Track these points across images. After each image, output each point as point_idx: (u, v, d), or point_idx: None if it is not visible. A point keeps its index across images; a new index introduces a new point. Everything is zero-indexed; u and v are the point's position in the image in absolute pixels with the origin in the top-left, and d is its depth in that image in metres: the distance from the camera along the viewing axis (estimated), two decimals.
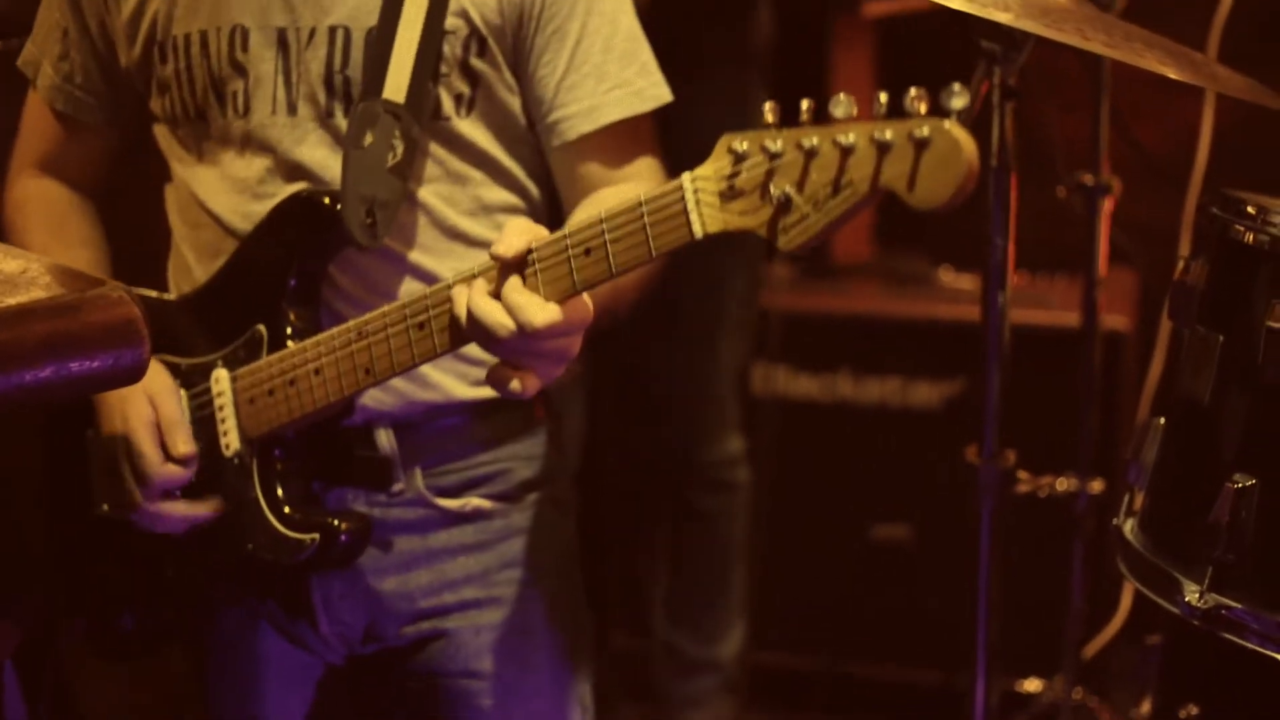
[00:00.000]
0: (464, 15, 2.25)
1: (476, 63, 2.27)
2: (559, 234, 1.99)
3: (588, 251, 1.97)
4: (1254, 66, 2.35)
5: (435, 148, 2.28)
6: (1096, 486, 3.23)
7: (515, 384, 2.03)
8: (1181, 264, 2.15)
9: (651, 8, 2.90)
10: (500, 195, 2.34)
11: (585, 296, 2.03)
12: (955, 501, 2.75)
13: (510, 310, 1.99)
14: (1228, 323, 2.03)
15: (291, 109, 2.28)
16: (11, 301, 1.55)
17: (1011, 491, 2.55)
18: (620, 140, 2.31)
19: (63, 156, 2.51)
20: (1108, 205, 3.13)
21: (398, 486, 2.34)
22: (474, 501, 2.38)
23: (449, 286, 2.07)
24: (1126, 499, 2.19)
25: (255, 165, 2.31)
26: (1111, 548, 2.22)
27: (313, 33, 2.26)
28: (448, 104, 2.27)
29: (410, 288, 2.27)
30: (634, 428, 3.74)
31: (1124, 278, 3.95)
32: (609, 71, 2.29)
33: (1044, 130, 3.33)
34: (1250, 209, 2.03)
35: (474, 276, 2.04)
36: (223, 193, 2.33)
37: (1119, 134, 3.29)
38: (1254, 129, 3.17)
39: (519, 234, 2.01)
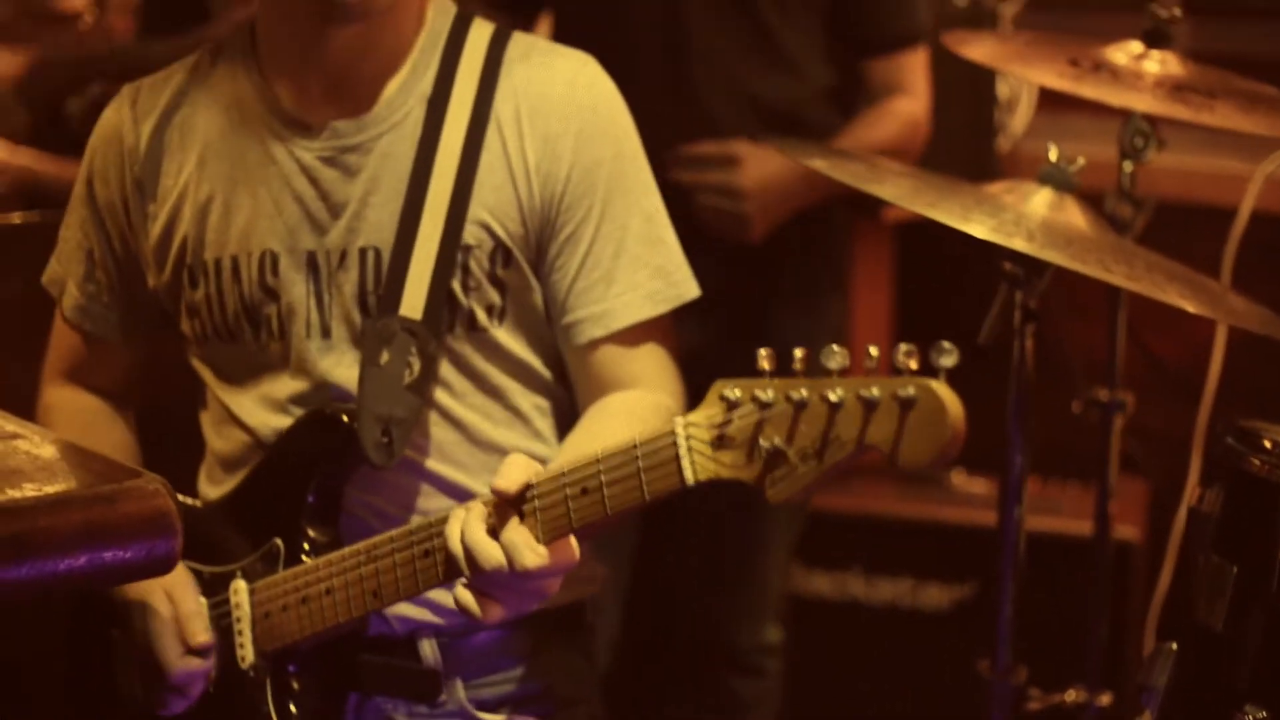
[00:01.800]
0: (486, 228, 2.27)
1: (503, 273, 2.29)
2: (557, 471, 2.01)
3: (584, 491, 1.99)
4: (1268, 282, 2.39)
5: (472, 360, 2.31)
6: (1105, 700, 3.24)
7: (478, 611, 2.04)
8: (1196, 491, 2.18)
9: None
10: (531, 400, 2.36)
11: (573, 539, 2.05)
12: (964, 708, 2.77)
13: (506, 548, 2.00)
14: (1242, 554, 2.06)
15: (325, 331, 2.30)
16: (49, 489, 1.57)
17: (1023, 708, 2.57)
18: (633, 345, 2.33)
19: (91, 369, 2.52)
20: (1120, 421, 3.16)
21: (441, 698, 2.33)
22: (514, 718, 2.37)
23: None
24: None
25: (290, 385, 2.33)
26: None
27: (343, 255, 2.28)
28: (481, 315, 2.29)
29: (438, 502, 2.29)
30: (671, 613, 3.73)
31: (1135, 486, 3.98)
32: (618, 276, 2.31)
33: (1058, 339, 3.37)
34: (1266, 443, 2.07)
35: (470, 508, 2.06)
36: (257, 409, 2.35)
37: (1133, 344, 3.33)
38: (1268, 341, 3.22)
39: (520, 469, 2.03)
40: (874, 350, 1.81)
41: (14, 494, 1.54)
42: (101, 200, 2.41)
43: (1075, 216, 2.37)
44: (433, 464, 2.31)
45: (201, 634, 2.28)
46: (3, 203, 4.78)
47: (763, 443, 1.87)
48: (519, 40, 2.36)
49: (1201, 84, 2.68)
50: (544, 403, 2.38)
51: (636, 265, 2.32)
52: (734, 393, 1.89)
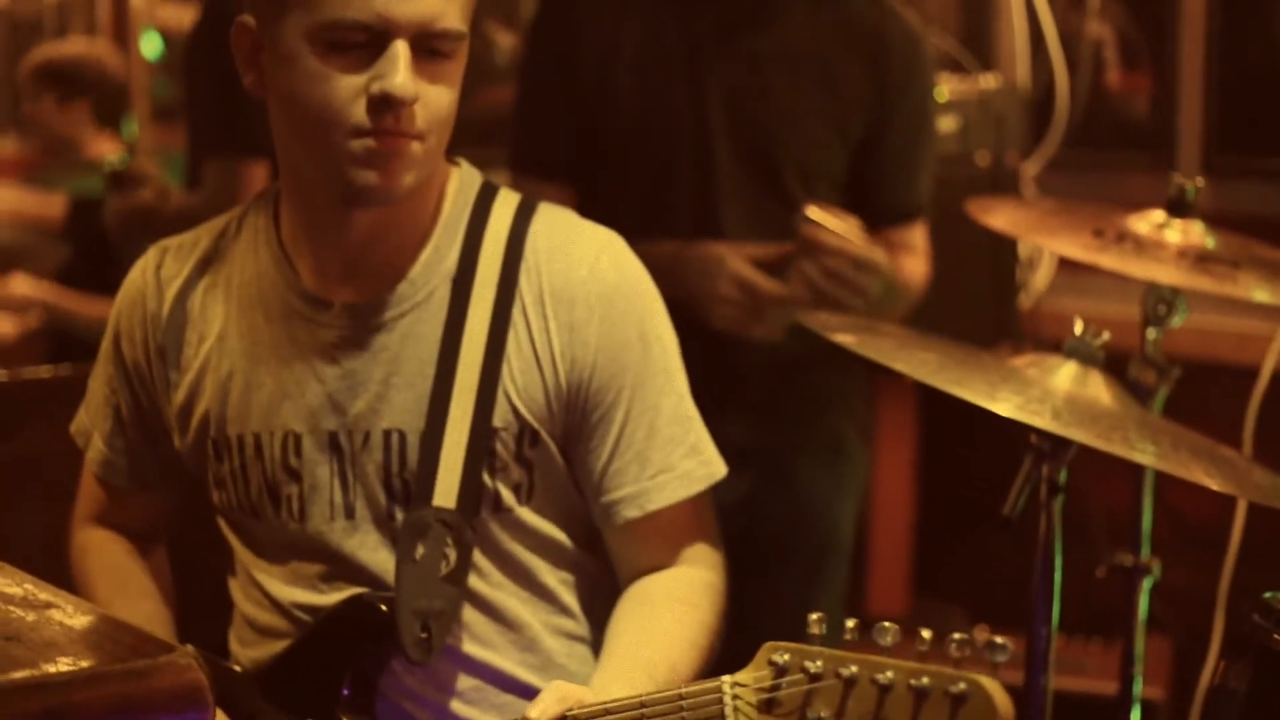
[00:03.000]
0: (514, 410, 2.27)
1: (530, 453, 2.29)
2: (601, 708, 2.02)
3: None
4: None
5: (498, 540, 2.30)
6: None
7: None
8: (1221, 666, 2.18)
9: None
10: (557, 576, 2.36)
11: None
12: None
13: None
14: None
15: (349, 512, 2.29)
16: (84, 663, 1.58)
17: None
18: (671, 524, 2.33)
19: (119, 516, 2.53)
20: (1146, 585, 3.16)
21: None
22: None
23: None
24: None
25: (313, 564, 2.32)
26: None
27: (367, 436, 2.28)
28: (508, 496, 2.29)
29: (468, 683, 2.28)
30: None
31: (1159, 645, 3.97)
32: (652, 458, 2.31)
33: (1084, 501, 3.37)
34: None
35: None
36: (284, 584, 2.35)
37: (1158, 503, 3.33)
38: None
39: (557, 701, 2.04)
40: (926, 633, 1.82)
41: (49, 668, 1.54)
42: (128, 359, 2.43)
43: (1100, 391, 2.39)
44: (463, 646, 2.30)
45: None
46: (31, 347, 4.83)
47: (810, 715, 1.86)
48: (544, 215, 2.36)
49: (1225, 253, 2.71)
50: (570, 577, 2.38)
51: (670, 445, 2.32)
52: (783, 658, 1.89)
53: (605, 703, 2.03)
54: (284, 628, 2.35)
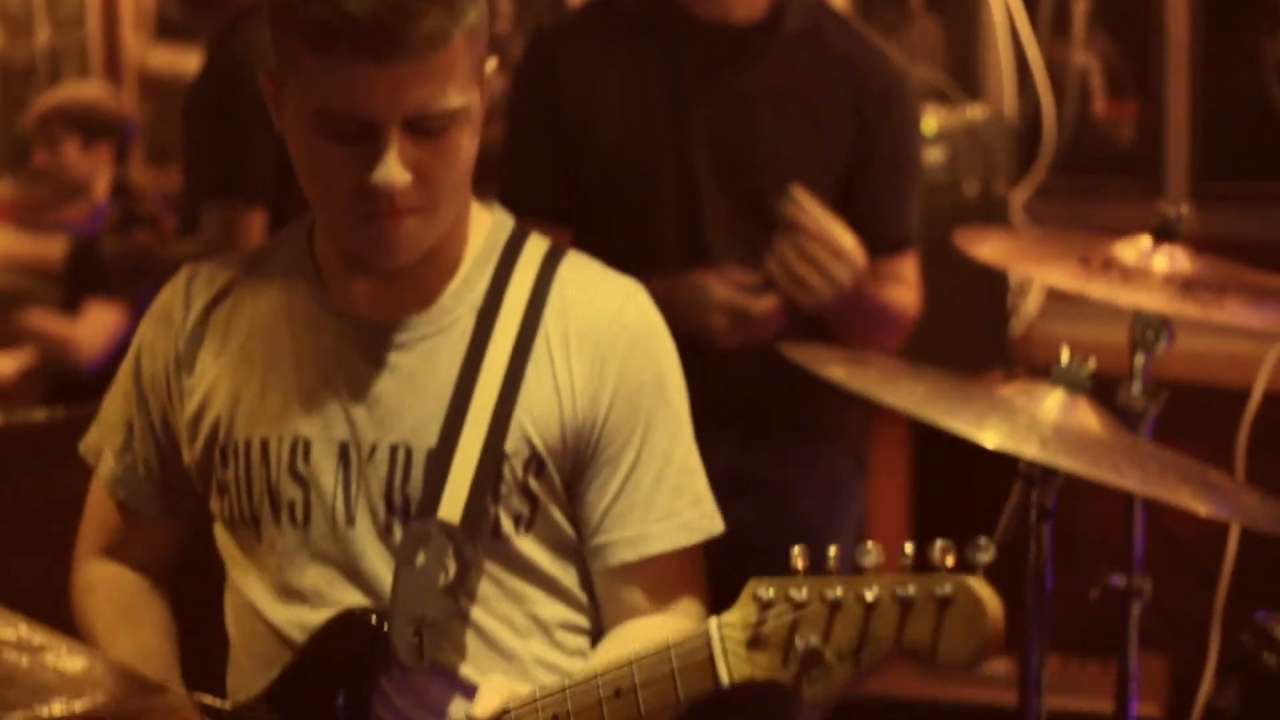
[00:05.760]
0: (526, 438, 2.29)
1: (534, 484, 2.30)
2: (590, 672, 2.03)
3: (618, 694, 2.00)
4: None
5: (493, 566, 2.31)
6: None
7: None
8: (1213, 683, 2.20)
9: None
10: (556, 611, 2.37)
11: None
12: None
13: None
14: None
15: (350, 521, 2.31)
16: (77, 707, 1.59)
17: None
18: (664, 571, 2.35)
19: (125, 544, 2.53)
20: (1139, 607, 3.17)
21: None
22: None
23: None
24: None
25: (310, 576, 2.33)
26: None
27: (374, 449, 2.30)
28: (507, 524, 2.30)
29: (462, 708, 2.27)
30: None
31: (1155, 664, 3.98)
32: (657, 503, 2.33)
33: (1075, 525, 3.38)
34: None
35: None
36: (279, 603, 2.36)
37: (1151, 525, 3.34)
38: None
39: (494, 694, 2.08)
40: (909, 547, 1.83)
41: (41, 711, 1.56)
42: (146, 374, 2.45)
43: (1088, 418, 2.39)
44: (458, 668, 2.31)
45: None
46: (29, 386, 4.85)
47: (798, 643, 1.87)
48: (572, 260, 2.40)
49: (1212, 279, 2.72)
50: (570, 616, 2.39)
51: (676, 494, 2.35)
52: (768, 592, 1.90)
53: (594, 668, 2.04)
54: (277, 652, 2.36)
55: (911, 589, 1.80)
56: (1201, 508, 2.22)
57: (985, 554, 1.80)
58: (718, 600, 2.38)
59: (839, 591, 1.84)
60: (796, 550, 1.90)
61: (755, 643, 1.91)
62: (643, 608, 2.35)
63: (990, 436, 2.23)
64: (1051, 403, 2.42)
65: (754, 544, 2.44)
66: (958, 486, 4.33)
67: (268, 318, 2.39)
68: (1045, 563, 2.47)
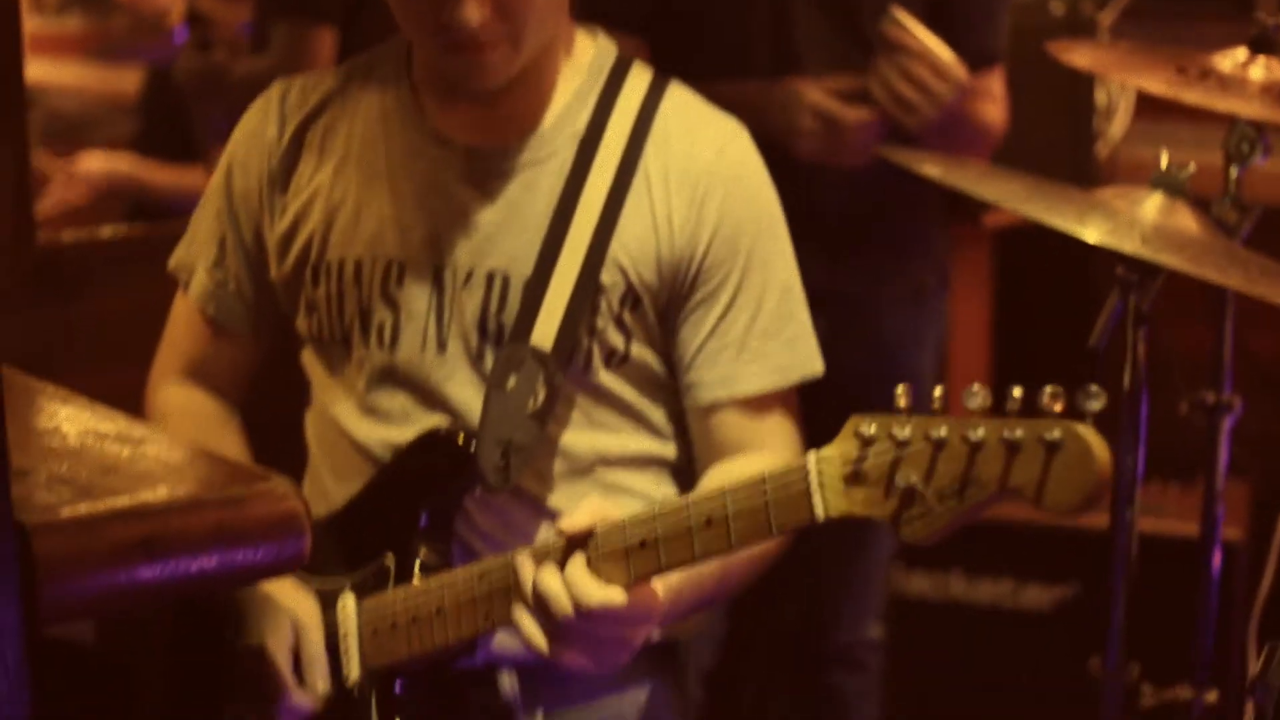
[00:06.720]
0: (622, 271, 2.29)
1: (628, 318, 2.31)
2: (682, 502, 2.01)
3: (709, 523, 1.98)
4: None
5: (581, 397, 2.32)
6: (1212, 697, 3.23)
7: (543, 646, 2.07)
8: None
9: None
10: (644, 444, 2.38)
11: (658, 585, 2.06)
12: (1066, 707, 2.77)
13: (575, 591, 2.03)
14: None
15: (441, 346, 2.31)
16: (181, 492, 1.59)
17: (1134, 705, 2.57)
18: (757, 411, 2.35)
19: (209, 363, 2.54)
20: (1228, 423, 3.15)
21: None
22: None
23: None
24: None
25: (398, 397, 2.34)
26: None
27: (470, 274, 2.30)
28: (598, 357, 2.30)
29: (547, 532, 2.29)
30: (777, 608, 3.74)
31: (1237, 488, 3.96)
32: (750, 344, 2.33)
33: (1162, 343, 3.36)
34: None
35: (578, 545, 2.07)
36: (364, 421, 2.36)
37: (1235, 346, 3.32)
38: None
39: (585, 514, 2.06)
40: (1017, 391, 1.78)
41: (147, 496, 1.56)
42: (238, 189, 2.45)
43: (1187, 221, 2.38)
44: (540, 493, 2.33)
45: (321, 682, 2.30)
46: (106, 210, 4.85)
47: (899, 481, 1.83)
48: (674, 94, 2.39)
49: None
50: (655, 449, 2.39)
51: (768, 336, 2.34)
52: (870, 429, 1.87)
53: (688, 497, 2.03)
54: (361, 466, 2.37)
55: (1019, 432, 1.75)
56: None
57: (1095, 401, 1.76)
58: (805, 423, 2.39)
59: (943, 431, 1.81)
60: (900, 389, 1.86)
61: (854, 479, 1.88)
62: (735, 446, 2.35)
63: (1091, 233, 2.21)
64: (1151, 205, 2.39)
65: (836, 358, 2.43)
66: (1039, 309, 4.31)
67: (364, 139, 2.38)
68: (1142, 370, 2.45)
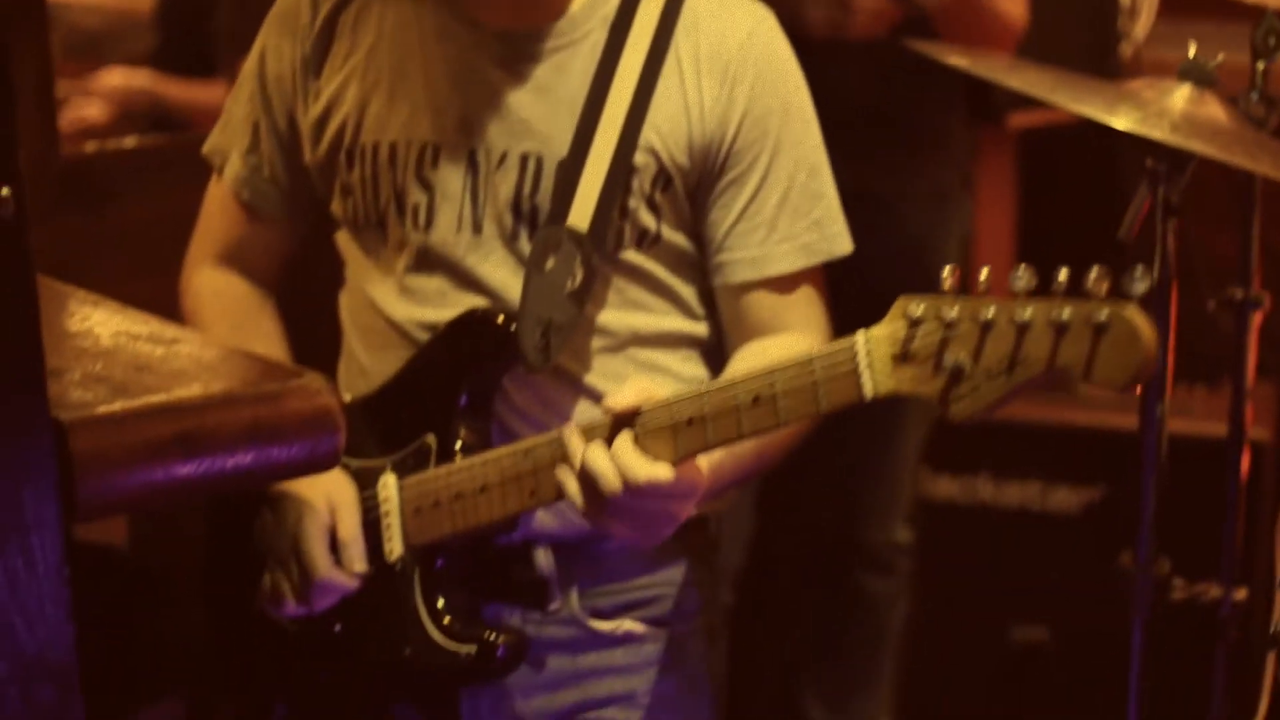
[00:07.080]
0: (654, 153, 2.30)
1: (660, 199, 2.32)
2: (728, 380, 2.05)
3: (756, 400, 2.01)
4: None
5: (616, 277, 2.34)
6: (1241, 594, 3.23)
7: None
8: None
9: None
10: (676, 323, 2.39)
11: (702, 462, 2.09)
12: (1095, 606, 2.77)
13: (623, 467, 2.06)
14: None
15: (476, 228, 2.33)
16: (215, 389, 1.59)
17: (1164, 599, 2.57)
18: (785, 290, 2.36)
19: (244, 248, 2.55)
20: (1257, 319, 3.14)
21: (554, 606, 2.36)
22: (627, 625, 2.40)
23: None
24: None
25: (435, 279, 2.36)
26: (1253, 654, 2.22)
27: (504, 156, 2.31)
28: (629, 237, 2.32)
29: (588, 413, 2.30)
30: (805, 509, 3.75)
31: (1263, 388, 3.95)
32: (779, 225, 2.34)
33: (1188, 242, 3.34)
34: None
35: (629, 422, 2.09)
36: (401, 302, 2.38)
37: (1260, 245, 3.30)
38: None
39: (633, 391, 2.09)
40: (1063, 273, 1.80)
41: (181, 393, 1.56)
42: (271, 74, 2.46)
43: (1216, 111, 2.37)
44: (583, 375, 2.35)
45: (359, 562, 2.32)
46: (126, 126, 4.84)
47: (947, 360, 1.86)
48: None
49: None
50: (691, 327, 2.41)
51: (797, 216, 2.35)
52: (918, 309, 1.89)
53: (734, 375, 2.07)
54: (398, 346, 2.39)
55: (1067, 313, 1.78)
56: None
57: (1141, 283, 1.77)
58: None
59: (991, 313, 1.83)
60: (947, 270, 1.88)
61: (902, 358, 1.90)
62: (765, 325, 2.37)
63: (1120, 120, 2.21)
64: (1179, 96, 2.39)
65: (861, 255, 2.43)
66: (1063, 210, 4.30)
67: (396, 23, 2.39)
68: (1172, 263, 2.44)
